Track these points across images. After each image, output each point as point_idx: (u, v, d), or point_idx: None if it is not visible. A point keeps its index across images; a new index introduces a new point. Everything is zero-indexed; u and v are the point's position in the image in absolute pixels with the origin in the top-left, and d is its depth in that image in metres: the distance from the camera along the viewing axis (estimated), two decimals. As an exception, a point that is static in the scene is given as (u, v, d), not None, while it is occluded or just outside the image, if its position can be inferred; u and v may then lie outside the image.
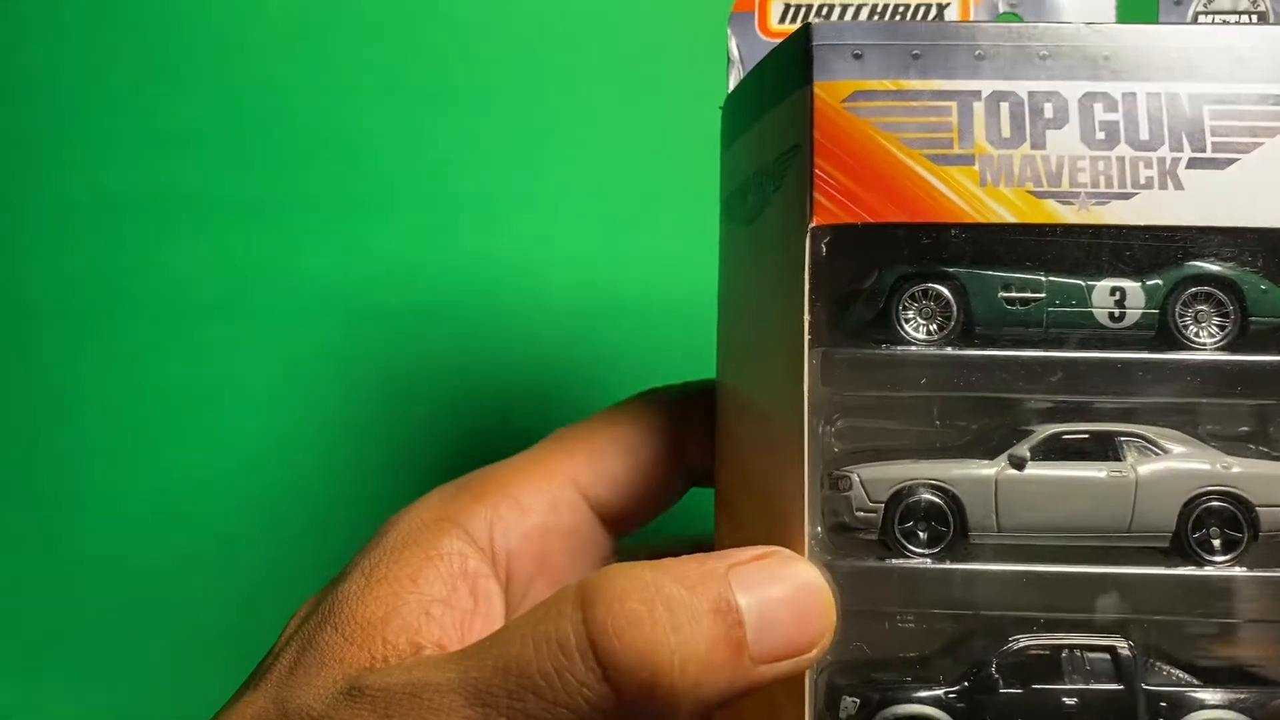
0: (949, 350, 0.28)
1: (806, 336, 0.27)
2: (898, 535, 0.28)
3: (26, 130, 0.50)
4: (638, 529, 0.35)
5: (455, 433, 0.49)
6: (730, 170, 0.34)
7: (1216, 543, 0.27)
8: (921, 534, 0.28)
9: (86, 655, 0.49)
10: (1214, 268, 0.28)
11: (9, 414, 0.50)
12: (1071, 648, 0.27)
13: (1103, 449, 0.28)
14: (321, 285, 0.50)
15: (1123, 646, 0.27)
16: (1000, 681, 0.27)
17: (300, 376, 0.49)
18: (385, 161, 0.50)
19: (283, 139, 0.50)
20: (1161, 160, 0.28)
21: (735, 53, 0.35)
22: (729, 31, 0.35)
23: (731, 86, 0.35)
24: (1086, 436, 0.28)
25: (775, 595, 0.26)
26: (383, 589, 0.29)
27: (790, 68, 0.29)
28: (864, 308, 0.29)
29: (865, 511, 0.28)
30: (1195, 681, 0.27)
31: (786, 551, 0.27)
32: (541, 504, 0.33)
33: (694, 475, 0.35)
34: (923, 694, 0.27)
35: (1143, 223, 0.27)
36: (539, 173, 0.50)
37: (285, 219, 0.50)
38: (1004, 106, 0.28)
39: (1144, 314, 0.28)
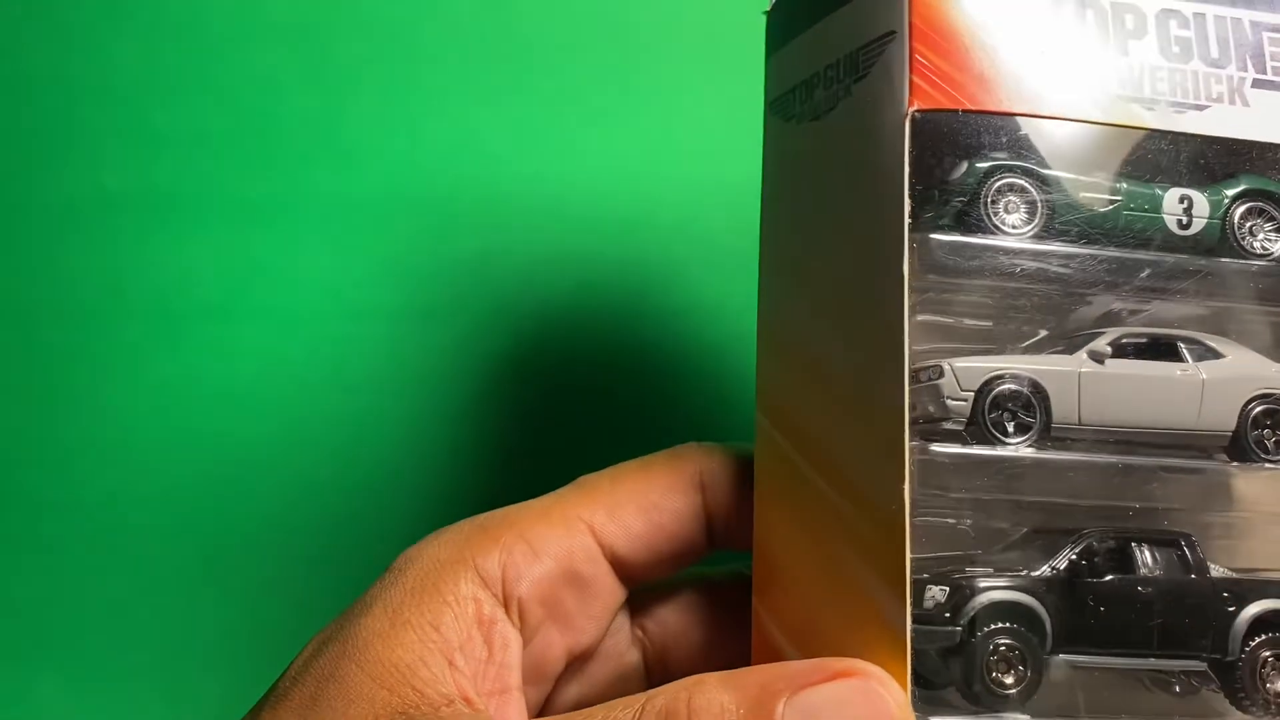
0: (1040, 245, 0.28)
1: (907, 221, 0.27)
2: (988, 424, 0.27)
3: (25, 130, 0.49)
4: (654, 583, 0.35)
5: (455, 433, 0.48)
6: (782, 71, 0.33)
7: (1270, 443, 0.29)
8: (1009, 424, 0.28)
9: (85, 656, 0.48)
10: (1272, 183, 0.29)
11: (7, 414, 0.49)
12: (1140, 540, 0.28)
13: (1165, 351, 0.29)
14: (321, 285, 0.49)
15: (1187, 540, 0.28)
16: (1082, 570, 0.27)
17: (299, 377, 0.49)
18: (385, 161, 0.49)
19: (283, 139, 0.49)
20: (1230, 78, 0.29)
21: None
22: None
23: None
24: (1149, 339, 0.29)
25: None
26: (409, 635, 0.29)
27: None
28: (952, 200, 0.28)
29: (956, 400, 0.27)
30: (1254, 574, 0.28)
31: (873, 669, 0.25)
32: (557, 550, 0.32)
33: (717, 540, 0.34)
34: (1012, 581, 0.27)
35: (1216, 134, 0.28)
36: (539, 172, 0.49)
37: (285, 219, 0.49)
38: (1089, 13, 0.29)
39: (1209, 223, 0.29)
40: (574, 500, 0.33)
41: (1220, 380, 0.29)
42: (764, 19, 0.35)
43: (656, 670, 0.35)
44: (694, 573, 0.36)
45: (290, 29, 0.49)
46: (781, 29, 0.34)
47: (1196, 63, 0.29)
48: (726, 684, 0.26)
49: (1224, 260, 0.29)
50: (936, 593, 0.26)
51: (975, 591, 0.26)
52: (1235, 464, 0.29)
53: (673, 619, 0.35)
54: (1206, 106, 0.29)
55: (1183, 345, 0.29)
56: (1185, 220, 0.29)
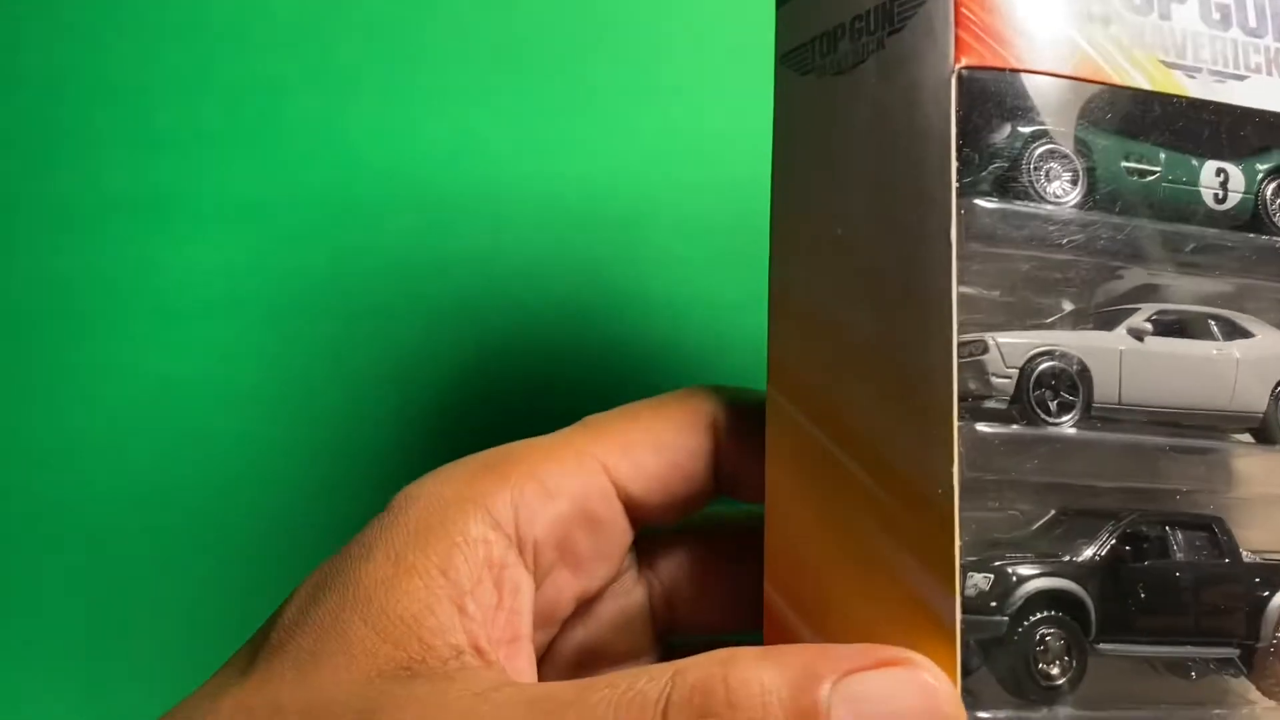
0: (1083, 214, 0.27)
1: (954, 186, 0.25)
2: (1033, 402, 0.26)
3: (24, 129, 0.49)
4: (659, 527, 0.33)
5: (455, 433, 0.48)
6: (797, 21, 0.31)
7: (1300, 425, 0.28)
8: (1052, 403, 0.26)
9: (85, 656, 0.47)
10: (1304, 159, 0.29)
11: (6, 414, 0.48)
12: (1174, 524, 0.27)
13: (1197, 329, 0.28)
14: (320, 285, 0.48)
15: (1220, 523, 0.27)
16: (1123, 556, 0.26)
17: (299, 377, 0.48)
18: (385, 161, 0.49)
19: (280, 139, 0.49)
20: (1268, 49, 0.28)
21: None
22: None
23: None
24: (1181, 316, 0.28)
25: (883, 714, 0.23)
26: (414, 581, 0.27)
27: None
28: (992, 164, 0.27)
29: (1000, 377, 0.26)
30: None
31: (924, 661, 0.23)
32: (570, 489, 0.30)
33: (724, 484, 0.33)
34: (1057, 568, 0.25)
35: (1256, 105, 0.28)
36: (539, 172, 0.49)
37: (283, 219, 0.48)
38: (1133, -26, 0.27)
39: (1243, 198, 0.28)
40: (584, 438, 0.31)
41: (1253, 360, 0.28)
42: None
43: (661, 610, 0.34)
44: (705, 512, 0.34)
45: (291, 29, 0.49)
46: (796, -23, 0.32)
47: (1236, 30, 0.28)
48: (765, 661, 0.24)
49: (1254, 236, 0.28)
50: (980, 580, 0.25)
51: (1021, 579, 0.25)
52: (1262, 446, 0.28)
53: (682, 558, 0.34)
54: (1246, 76, 0.28)
55: (1213, 323, 0.28)
56: (1221, 194, 0.28)
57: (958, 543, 0.24)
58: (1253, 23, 0.28)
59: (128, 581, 0.47)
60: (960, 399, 0.26)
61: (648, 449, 0.31)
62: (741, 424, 0.32)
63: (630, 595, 0.34)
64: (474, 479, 0.30)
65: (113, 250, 0.49)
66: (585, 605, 0.33)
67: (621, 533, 0.32)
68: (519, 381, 0.48)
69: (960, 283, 0.27)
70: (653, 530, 0.33)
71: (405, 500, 0.29)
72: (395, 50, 0.49)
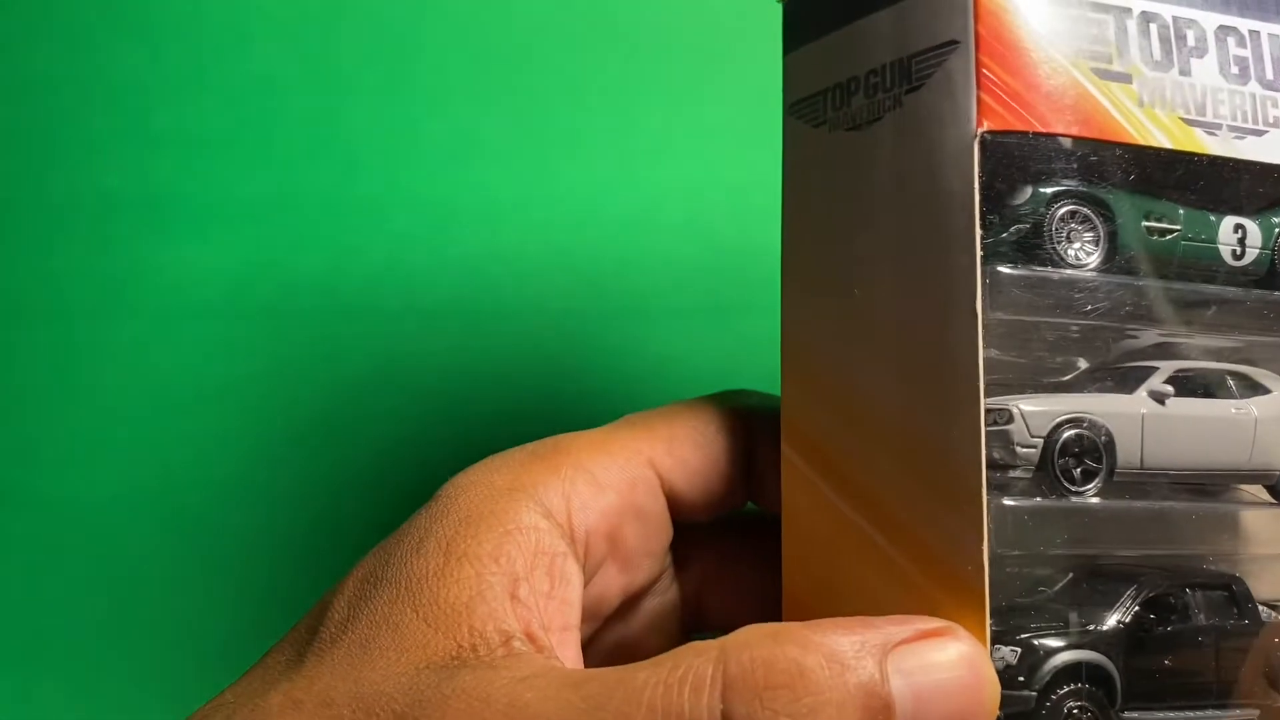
0: (1107, 277, 0.27)
1: (979, 253, 0.25)
2: (1058, 471, 0.26)
3: (22, 129, 0.49)
4: (694, 523, 0.33)
5: (454, 434, 0.48)
6: (805, 72, 0.30)
7: (1317, 482, 0.28)
8: (1075, 471, 0.26)
9: (85, 656, 0.47)
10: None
11: (6, 414, 0.48)
12: (1194, 585, 0.27)
13: (1216, 387, 0.28)
14: (319, 285, 0.48)
15: (1239, 582, 0.27)
16: (1146, 623, 0.26)
17: (298, 377, 0.48)
18: (385, 161, 0.49)
19: (280, 139, 0.49)
20: (1285, 102, 0.28)
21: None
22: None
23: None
24: (1200, 374, 0.28)
25: (937, 689, 0.23)
26: (465, 569, 0.26)
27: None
28: (1012, 227, 0.26)
29: (1026, 447, 0.26)
30: (1299, 615, 0.28)
31: (963, 633, 0.24)
32: (619, 482, 0.30)
33: (754, 487, 0.33)
34: (1082, 639, 0.25)
35: (1275, 161, 0.27)
36: (539, 173, 0.49)
37: (283, 219, 0.48)
38: (1153, 28, 0.27)
39: (1261, 253, 0.28)
40: (629, 433, 0.32)
41: (1271, 417, 0.28)
42: (774, 16, 0.32)
43: (692, 608, 0.34)
44: (738, 512, 0.35)
45: (290, 29, 0.49)
46: (803, 25, 0.31)
47: (1254, 84, 0.28)
48: (821, 631, 0.24)
49: (1269, 293, 0.28)
50: (1007, 654, 0.25)
51: (1049, 652, 0.25)
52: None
53: (715, 556, 0.34)
54: (1265, 132, 0.27)
55: (1231, 380, 0.28)
56: (1239, 250, 0.28)
57: (989, 623, 0.24)
58: (1270, 75, 0.28)
59: (128, 581, 0.48)
60: (987, 469, 0.26)
61: (691, 445, 0.32)
62: (773, 431, 0.32)
63: (667, 594, 0.34)
64: (524, 468, 0.30)
65: (112, 250, 0.49)
66: (628, 602, 0.33)
67: (665, 528, 0.32)
68: (518, 382, 0.48)
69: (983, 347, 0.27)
70: (687, 528, 0.34)
71: (454, 490, 0.29)
72: (395, 50, 0.49)
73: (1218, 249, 0.28)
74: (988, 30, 0.25)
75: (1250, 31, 0.28)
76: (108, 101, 0.49)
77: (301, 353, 0.48)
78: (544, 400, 0.48)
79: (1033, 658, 0.25)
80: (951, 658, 0.24)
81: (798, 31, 0.31)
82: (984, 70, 0.25)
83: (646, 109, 0.49)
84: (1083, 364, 0.28)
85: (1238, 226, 0.28)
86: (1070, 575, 0.27)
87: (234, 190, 0.48)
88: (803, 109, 0.31)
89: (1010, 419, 0.26)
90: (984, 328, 0.26)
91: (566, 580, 0.28)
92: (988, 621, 0.24)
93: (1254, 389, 0.28)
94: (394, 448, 0.48)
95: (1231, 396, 0.28)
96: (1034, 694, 0.25)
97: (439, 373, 0.48)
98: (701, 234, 0.48)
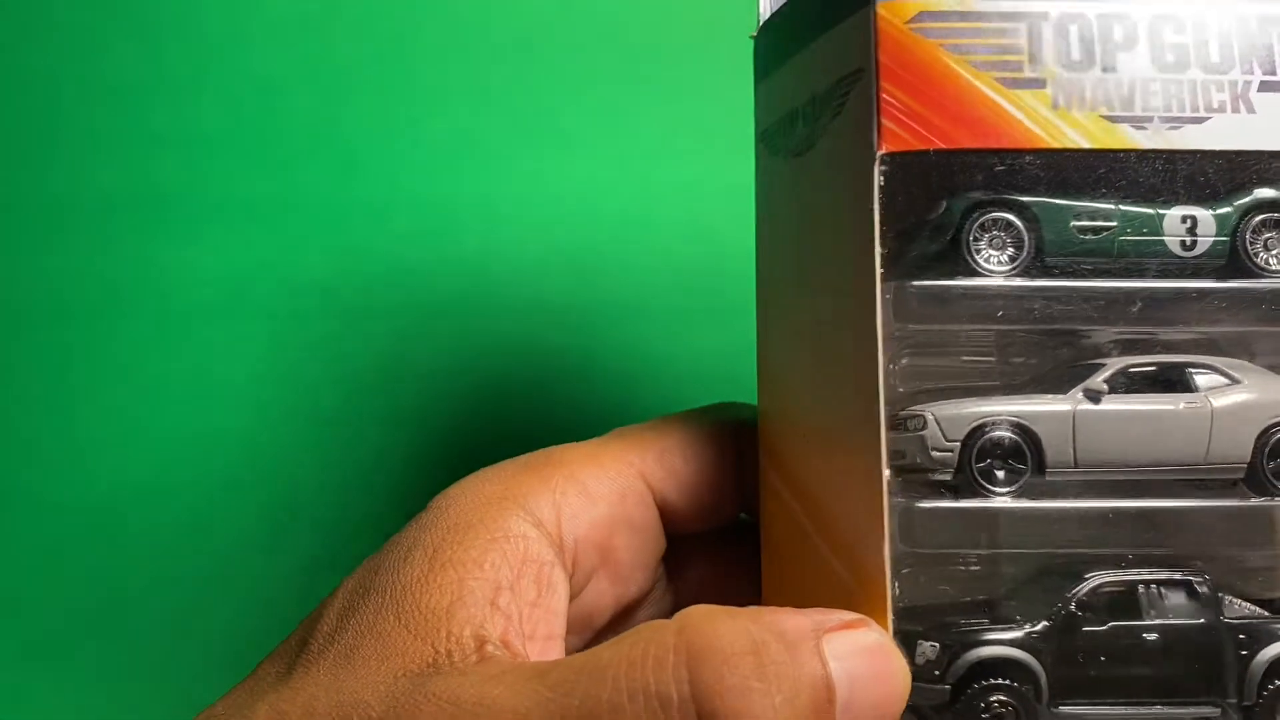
0: (1027, 281, 0.27)
1: (879, 270, 0.26)
2: (976, 474, 0.27)
3: (22, 129, 0.49)
4: (685, 535, 0.34)
5: (455, 434, 0.48)
6: (769, 102, 0.33)
7: (1291, 473, 0.27)
8: (999, 473, 0.27)
9: (85, 656, 0.48)
10: (1285, 194, 0.27)
11: (7, 414, 0.49)
12: (1148, 583, 0.27)
13: (1173, 380, 0.27)
14: (319, 285, 0.48)
15: (1200, 580, 0.27)
16: (1081, 620, 0.26)
17: (298, 377, 0.48)
18: (385, 161, 0.49)
19: (280, 139, 0.49)
20: (1233, 83, 0.27)
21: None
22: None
23: (764, 15, 0.33)
24: (1156, 368, 0.28)
25: (864, 674, 0.24)
26: (449, 575, 0.27)
27: (849, -11, 0.27)
28: (932, 239, 0.27)
29: (941, 451, 0.27)
30: (1270, 614, 0.27)
31: (875, 626, 0.25)
32: (610, 493, 0.31)
33: (745, 498, 0.34)
34: (1004, 635, 0.26)
35: (1216, 147, 0.27)
36: (539, 173, 0.49)
37: (283, 219, 0.49)
38: (1073, 29, 0.27)
39: (1215, 242, 0.27)
40: (620, 445, 0.32)
41: (1232, 409, 0.27)
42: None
43: None
44: (731, 524, 0.35)
45: (289, 29, 0.49)
46: (768, 56, 0.33)
47: (1195, 70, 0.27)
48: (773, 615, 0.25)
49: (1234, 281, 0.27)
50: (927, 649, 0.26)
51: (965, 648, 0.26)
52: (1256, 498, 0.27)
53: (707, 567, 0.35)
54: (1206, 118, 0.27)
55: (1194, 373, 0.27)
56: (1189, 241, 0.27)
57: (890, 619, 0.25)
58: (1215, 58, 0.27)
59: (128, 581, 0.48)
60: (908, 471, 0.27)
61: (681, 457, 0.32)
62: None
63: (660, 605, 0.34)
64: (515, 478, 0.30)
65: (112, 250, 0.49)
66: (621, 614, 0.33)
67: (657, 539, 0.33)
68: (518, 381, 0.48)
69: (910, 354, 0.28)
70: (680, 540, 0.34)
71: (445, 500, 0.30)
72: (395, 50, 0.49)
73: (1163, 241, 0.27)
74: (889, 57, 0.27)
75: (1193, 16, 0.27)
76: (108, 101, 0.49)
77: (302, 353, 0.48)
78: (544, 399, 0.48)
79: (949, 653, 0.26)
80: (869, 645, 0.25)
81: (762, 62, 0.33)
82: (884, 95, 0.27)
83: (646, 109, 0.49)
84: (1027, 372, 0.28)
85: (1185, 217, 0.27)
86: (1016, 575, 0.27)
87: (234, 190, 0.49)
88: (767, 137, 0.33)
89: (924, 424, 0.27)
90: (899, 339, 0.27)
91: (553, 589, 0.29)
92: (890, 615, 0.25)
93: (1220, 380, 0.27)
94: (394, 447, 0.48)
95: (1189, 390, 0.27)
96: (948, 687, 0.26)
97: (439, 372, 0.48)
98: (701, 234, 0.48)
